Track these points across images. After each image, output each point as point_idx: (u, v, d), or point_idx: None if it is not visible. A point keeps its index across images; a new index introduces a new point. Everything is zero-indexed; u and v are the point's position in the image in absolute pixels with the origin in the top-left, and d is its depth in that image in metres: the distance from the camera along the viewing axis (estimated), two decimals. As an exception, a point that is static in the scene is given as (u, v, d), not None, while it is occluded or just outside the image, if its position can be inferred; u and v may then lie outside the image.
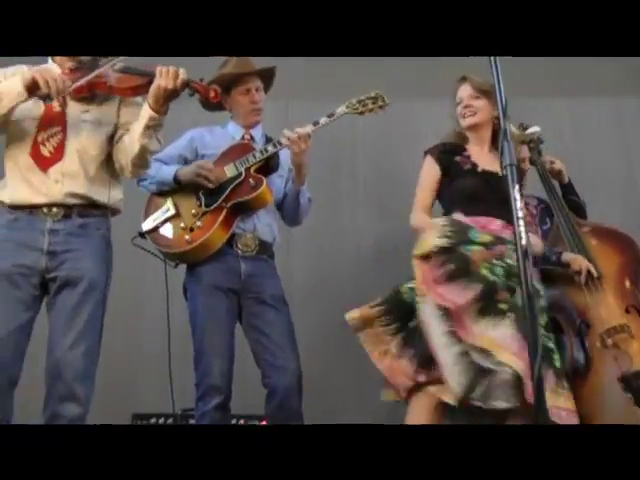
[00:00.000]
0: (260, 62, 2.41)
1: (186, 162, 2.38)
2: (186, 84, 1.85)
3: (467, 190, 2.25)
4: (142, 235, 2.27)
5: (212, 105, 2.42)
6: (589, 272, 2.26)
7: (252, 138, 2.43)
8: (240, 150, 2.33)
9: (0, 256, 1.83)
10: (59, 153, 1.89)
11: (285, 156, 2.37)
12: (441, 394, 1.91)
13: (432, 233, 2.07)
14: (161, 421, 2.54)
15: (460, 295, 1.91)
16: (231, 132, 2.46)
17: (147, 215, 2.30)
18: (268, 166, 2.32)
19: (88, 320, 1.83)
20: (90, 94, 1.93)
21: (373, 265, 3.02)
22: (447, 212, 2.29)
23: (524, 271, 1.29)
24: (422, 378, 1.97)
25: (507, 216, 2.16)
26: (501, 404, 1.82)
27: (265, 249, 2.33)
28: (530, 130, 2.46)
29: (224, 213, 2.23)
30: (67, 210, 1.88)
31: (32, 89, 1.79)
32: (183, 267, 2.34)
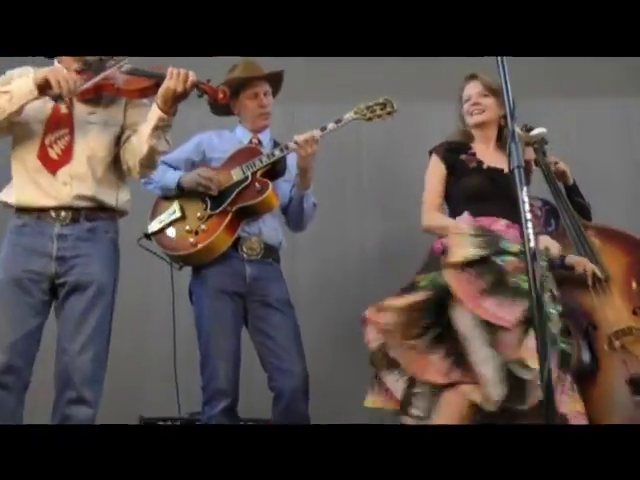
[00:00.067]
0: (261, 63, 2.42)
1: (194, 165, 2.39)
2: (195, 86, 1.86)
3: (473, 188, 2.24)
4: (148, 236, 2.28)
5: (220, 109, 2.44)
6: (594, 274, 2.25)
7: (260, 142, 2.43)
8: (247, 154, 2.33)
9: (10, 262, 1.85)
10: (67, 155, 1.89)
11: (292, 161, 2.37)
12: (475, 397, 1.90)
13: (464, 241, 2.03)
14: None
15: (510, 312, 1.88)
16: (239, 136, 2.46)
17: (154, 217, 2.31)
18: (275, 170, 2.32)
19: (97, 325, 1.84)
20: (97, 96, 1.94)
21: (378, 267, 3.02)
22: (453, 211, 2.29)
23: (533, 274, 1.28)
24: (456, 377, 1.95)
25: (512, 214, 2.18)
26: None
27: (270, 252, 2.33)
28: (535, 132, 2.45)
29: (229, 217, 2.23)
30: (75, 213, 1.89)
31: (44, 88, 1.80)
32: (189, 271, 2.34)
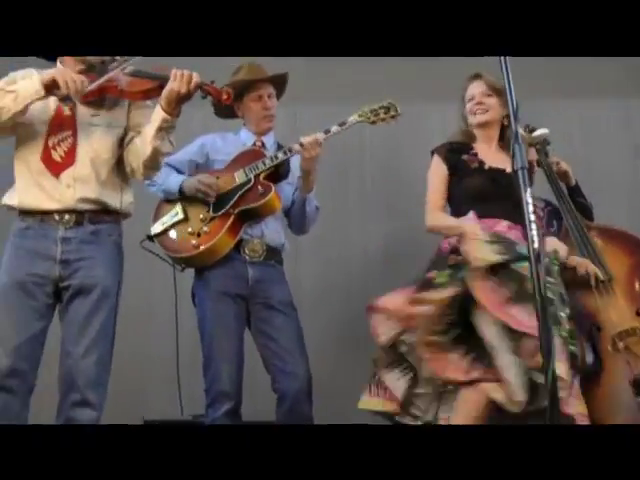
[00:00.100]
0: (261, 63, 2.42)
1: (197, 167, 2.39)
2: (199, 87, 1.86)
3: (475, 189, 2.24)
4: (150, 238, 2.28)
5: (224, 112, 2.44)
6: (597, 276, 2.24)
7: (263, 145, 2.44)
8: (250, 156, 2.33)
9: (14, 265, 1.85)
10: (70, 158, 1.89)
11: (296, 164, 2.37)
12: (498, 396, 1.90)
13: (483, 248, 2.01)
14: (172, 428, 2.53)
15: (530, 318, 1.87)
16: (243, 139, 2.46)
17: (156, 218, 2.32)
18: (278, 173, 2.32)
19: (101, 328, 1.84)
20: (100, 98, 1.94)
21: (381, 268, 3.02)
22: (456, 212, 2.29)
23: (537, 275, 1.28)
24: (477, 375, 1.95)
25: (514, 215, 2.18)
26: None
27: (273, 255, 2.33)
28: (537, 132, 2.44)
29: (231, 219, 2.24)
30: (79, 216, 1.88)
31: (51, 88, 1.80)
32: (191, 273, 2.34)
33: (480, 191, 2.23)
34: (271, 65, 2.40)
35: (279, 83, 2.47)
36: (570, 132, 3.12)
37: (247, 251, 2.27)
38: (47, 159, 1.88)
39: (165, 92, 1.83)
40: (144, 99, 1.96)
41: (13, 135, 1.92)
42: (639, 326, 2.14)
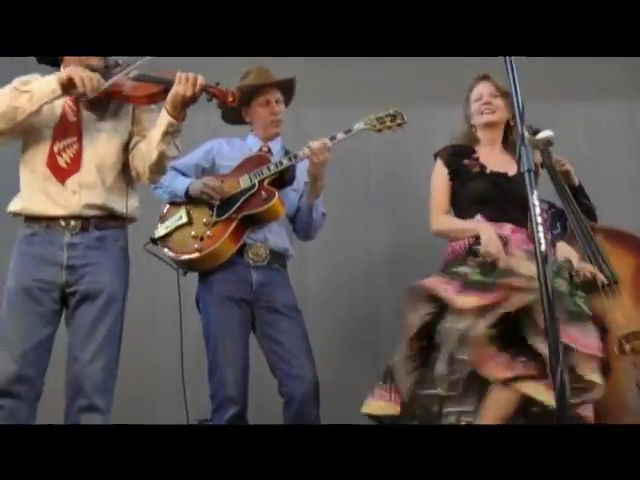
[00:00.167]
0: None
1: (203, 172, 2.39)
2: (204, 89, 1.85)
3: (477, 193, 2.25)
4: (154, 241, 2.28)
5: (232, 117, 2.45)
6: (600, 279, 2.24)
7: (269, 150, 2.43)
8: (256, 162, 2.34)
9: (20, 271, 1.85)
10: (76, 164, 1.89)
11: (302, 170, 2.37)
12: (537, 394, 1.89)
13: (525, 266, 1.97)
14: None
15: (592, 339, 1.91)
16: (249, 144, 2.47)
17: (161, 222, 2.32)
18: (282, 179, 2.31)
19: (107, 334, 1.84)
20: (104, 103, 1.94)
21: (387, 272, 3.01)
22: (459, 216, 2.29)
23: (544, 277, 1.28)
24: (518, 371, 1.93)
25: (517, 218, 2.18)
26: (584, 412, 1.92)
27: (277, 259, 2.33)
28: (541, 135, 2.43)
29: (234, 224, 2.23)
30: (85, 222, 1.89)
31: (67, 87, 1.81)
32: (196, 279, 2.33)
33: (482, 195, 2.24)
34: (271, 65, 2.41)
35: (287, 88, 2.47)
36: (574, 133, 3.12)
37: (251, 255, 2.27)
38: (53, 165, 1.88)
39: (170, 96, 1.83)
40: (149, 103, 1.96)
41: (20, 138, 1.92)
42: (646, 328, 2.14)
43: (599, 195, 2.60)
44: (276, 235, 2.34)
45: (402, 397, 2.04)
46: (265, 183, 2.27)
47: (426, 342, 2.04)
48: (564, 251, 2.18)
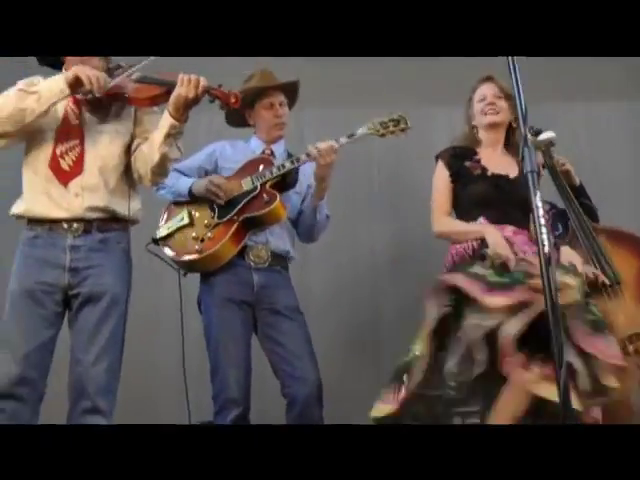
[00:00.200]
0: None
1: (206, 174, 2.39)
2: (206, 91, 1.85)
3: (478, 196, 2.24)
4: (156, 242, 2.28)
5: (236, 120, 2.45)
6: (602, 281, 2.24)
7: (272, 153, 2.43)
8: (259, 164, 2.33)
9: (22, 274, 1.85)
10: (78, 167, 1.89)
11: (305, 173, 2.37)
12: (552, 396, 1.86)
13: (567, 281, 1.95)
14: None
15: (616, 349, 1.90)
16: (253, 147, 2.46)
17: (164, 222, 2.32)
18: (285, 182, 2.31)
19: (110, 336, 1.84)
20: (106, 105, 1.94)
21: (389, 273, 3.02)
22: (461, 218, 2.29)
23: (547, 279, 1.27)
24: (533, 373, 1.90)
25: (519, 220, 2.18)
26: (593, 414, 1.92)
27: (278, 260, 2.33)
28: (543, 136, 2.43)
29: (235, 226, 2.24)
30: (87, 225, 1.89)
31: (75, 86, 1.82)
32: (197, 280, 2.33)
33: (484, 197, 2.23)
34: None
35: (291, 91, 2.47)
36: (575, 133, 3.12)
37: (252, 257, 2.27)
38: (55, 167, 1.88)
39: (173, 98, 1.83)
40: (151, 105, 1.95)
41: (24, 141, 1.92)
42: (649, 329, 2.13)
43: (600, 195, 2.59)
44: (277, 237, 2.34)
45: (407, 397, 2.02)
46: (267, 186, 2.27)
47: (442, 339, 1.99)
48: (568, 255, 2.17)
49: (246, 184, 2.29)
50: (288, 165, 2.27)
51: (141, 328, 2.72)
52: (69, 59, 1.94)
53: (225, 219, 2.24)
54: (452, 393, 1.95)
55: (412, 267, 2.83)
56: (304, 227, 2.42)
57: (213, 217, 2.27)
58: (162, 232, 2.29)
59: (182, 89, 1.81)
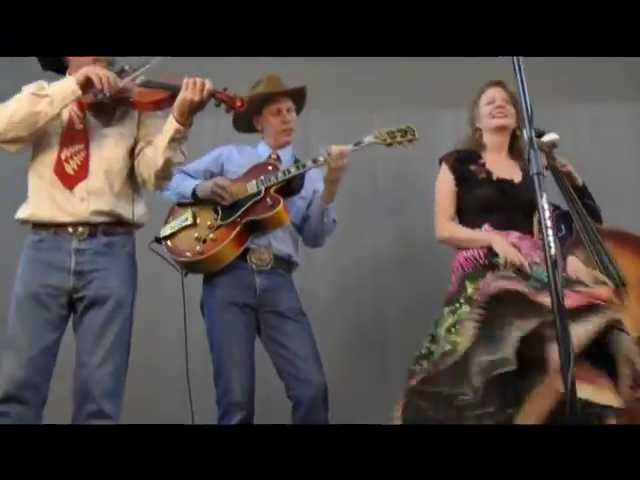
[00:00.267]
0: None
1: (212, 176, 2.39)
2: (212, 95, 1.85)
3: (483, 200, 2.24)
4: (158, 241, 2.29)
5: (243, 125, 2.46)
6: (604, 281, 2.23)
7: (279, 158, 2.44)
8: (264, 169, 2.34)
9: (27, 277, 1.85)
10: (83, 171, 1.89)
11: (310, 179, 2.37)
12: (596, 398, 1.84)
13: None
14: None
15: None
16: (260, 152, 2.47)
17: (167, 222, 2.33)
18: (289, 187, 2.31)
19: (115, 339, 1.84)
20: (110, 108, 1.94)
21: (393, 276, 3.01)
22: (465, 223, 2.28)
23: (554, 281, 1.27)
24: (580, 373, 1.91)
25: (522, 224, 2.18)
26: None
27: (281, 263, 2.33)
28: (547, 138, 2.42)
29: (238, 229, 2.23)
30: (92, 229, 1.89)
31: (86, 87, 1.82)
32: (200, 283, 2.33)
33: (489, 202, 2.23)
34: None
35: (298, 97, 2.48)
36: (579, 134, 3.12)
37: (254, 260, 2.27)
38: (60, 172, 1.88)
39: (178, 102, 1.83)
40: (156, 109, 1.95)
41: (30, 145, 1.92)
42: (654, 331, 2.12)
43: (604, 197, 2.58)
44: (280, 241, 2.33)
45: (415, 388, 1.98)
46: (272, 190, 2.27)
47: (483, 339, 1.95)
48: (574, 266, 2.16)
49: (251, 187, 2.29)
50: (294, 170, 2.28)
51: (145, 331, 2.72)
52: (72, 63, 1.94)
53: (228, 221, 2.25)
54: (469, 395, 1.90)
55: (416, 269, 2.83)
56: (310, 231, 2.42)
57: (216, 219, 2.27)
58: (165, 231, 2.30)
59: (187, 93, 1.80)
